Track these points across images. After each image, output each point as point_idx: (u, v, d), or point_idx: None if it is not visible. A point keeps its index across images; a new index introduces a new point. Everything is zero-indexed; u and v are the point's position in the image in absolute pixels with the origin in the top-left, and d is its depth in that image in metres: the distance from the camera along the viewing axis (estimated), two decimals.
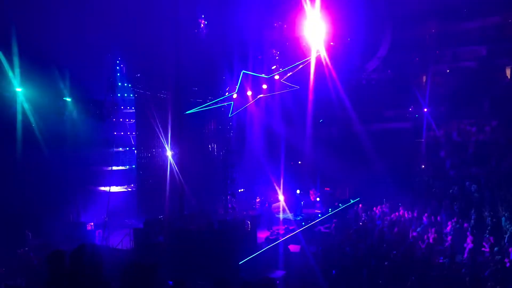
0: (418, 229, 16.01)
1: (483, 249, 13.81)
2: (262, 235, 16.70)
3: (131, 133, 22.08)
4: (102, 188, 20.16)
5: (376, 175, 21.70)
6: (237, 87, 20.53)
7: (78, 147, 18.22)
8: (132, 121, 21.66)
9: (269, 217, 18.70)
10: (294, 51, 22.26)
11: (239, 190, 21.57)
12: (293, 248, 15.96)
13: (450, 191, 18.89)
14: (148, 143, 20.35)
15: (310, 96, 22.50)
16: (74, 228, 16.81)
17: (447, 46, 25.87)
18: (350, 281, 11.80)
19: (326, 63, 21.29)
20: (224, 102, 20.68)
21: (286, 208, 19.81)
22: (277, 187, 20.41)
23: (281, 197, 20.15)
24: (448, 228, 15.53)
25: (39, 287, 10.98)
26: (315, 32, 20.38)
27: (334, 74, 21.82)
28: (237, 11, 19.68)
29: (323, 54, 21.03)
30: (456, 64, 25.95)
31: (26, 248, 15.21)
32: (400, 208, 18.24)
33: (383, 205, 19.28)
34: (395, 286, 11.31)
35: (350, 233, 16.28)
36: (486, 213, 16.09)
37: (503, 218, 15.45)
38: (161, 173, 19.83)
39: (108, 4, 17.81)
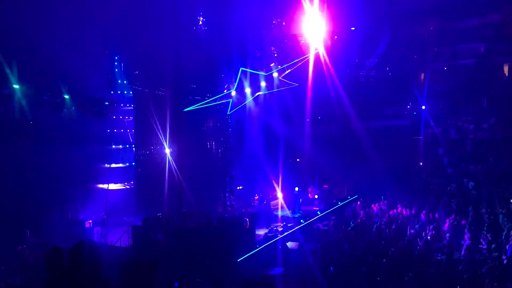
0: (416, 226, 16.04)
1: (480, 246, 13.90)
2: (260, 232, 16.73)
3: (129, 131, 22.02)
4: (101, 186, 20.19)
5: (374, 173, 21.73)
6: (236, 84, 20.50)
7: (77, 145, 18.21)
8: (131, 118, 21.57)
9: (267, 215, 18.75)
10: (292, 48, 22.28)
11: (238, 188, 21.54)
12: (291, 245, 16.01)
13: (448, 188, 18.97)
14: (146, 140, 20.28)
15: (309, 93, 22.52)
16: (72, 225, 16.73)
17: (446, 44, 25.92)
18: (348, 278, 11.82)
19: (325, 60, 21.31)
20: (222, 99, 20.63)
21: (285, 205, 19.83)
22: (275, 185, 20.41)
23: (279, 195, 20.16)
24: (446, 225, 15.59)
25: (35, 284, 11.01)
26: (313, 29, 20.41)
27: (332, 71, 21.85)
28: (236, 9, 19.64)
29: (322, 52, 21.05)
30: (455, 62, 25.98)
31: (24, 246, 15.23)
32: (398, 206, 18.26)
33: (381, 203, 19.29)
34: (393, 283, 11.34)
35: (348, 231, 16.31)
36: (483, 211, 16.18)
37: (500, 216, 15.55)
38: (160, 170, 19.78)
39: (106, 1, 17.77)
